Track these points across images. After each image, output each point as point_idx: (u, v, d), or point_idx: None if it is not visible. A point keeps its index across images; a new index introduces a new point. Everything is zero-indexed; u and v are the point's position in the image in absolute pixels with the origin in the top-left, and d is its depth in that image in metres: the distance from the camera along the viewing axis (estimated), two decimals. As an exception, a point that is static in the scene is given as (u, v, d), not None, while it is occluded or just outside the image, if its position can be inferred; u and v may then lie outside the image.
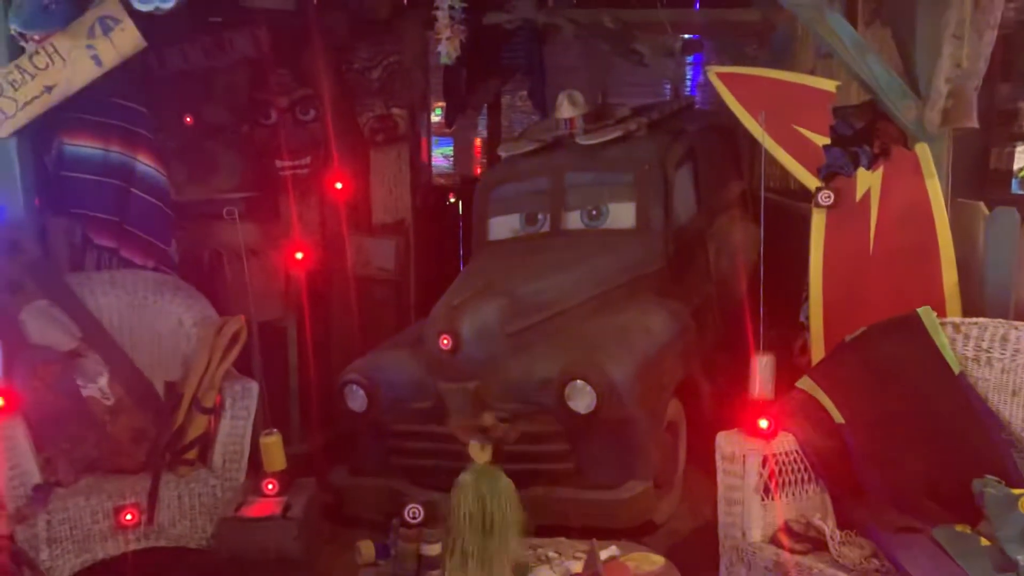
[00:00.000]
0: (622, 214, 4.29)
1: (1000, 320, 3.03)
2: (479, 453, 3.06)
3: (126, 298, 3.81)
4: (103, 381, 3.59)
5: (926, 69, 3.53)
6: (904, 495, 2.83)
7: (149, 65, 4.50)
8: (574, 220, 4.37)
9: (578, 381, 3.41)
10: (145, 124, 4.06)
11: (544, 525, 3.24)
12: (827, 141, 3.43)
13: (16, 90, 3.70)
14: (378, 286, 5.29)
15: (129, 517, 3.29)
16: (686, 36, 6.32)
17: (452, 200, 6.28)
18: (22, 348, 3.44)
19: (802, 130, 3.45)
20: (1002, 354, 2.92)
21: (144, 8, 3.53)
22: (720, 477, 2.89)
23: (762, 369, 2.93)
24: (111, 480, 3.40)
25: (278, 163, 4.90)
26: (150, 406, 3.59)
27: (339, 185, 4.50)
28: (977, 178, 4.85)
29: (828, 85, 3.45)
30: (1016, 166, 5.07)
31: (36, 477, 3.27)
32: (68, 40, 3.68)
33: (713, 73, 3.54)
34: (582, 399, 3.42)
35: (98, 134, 3.97)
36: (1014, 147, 5.08)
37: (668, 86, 6.50)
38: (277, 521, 3.28)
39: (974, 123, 3.46)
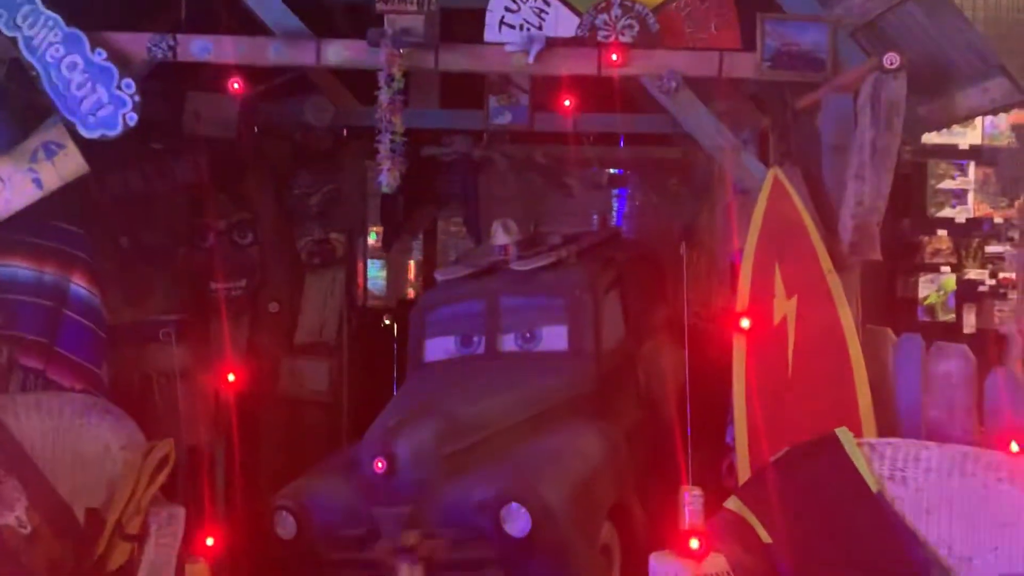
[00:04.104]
0: (555, 337, 4.41)
1: (912, 440, 3.20)
2: (410, 574, 3.04)
3: (51, 422, 3.70)
4: (21, 509, 3.45)
5: (834, 205, 3.84)
6: (831, 614, 2.89)
7: (88, 188, 4.54)
8: (508, 342, 4.46)
9: (513, 504, 3.41)
10: (82, 246, 4.07)
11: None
12: (783, 295, 3.64)
13: (-47, 211, 3.70)
14: (311, 408, 5.25)
15: (42, 655, 3.12)
16: (612, 171, 6.69)
17: (387, 322, 6.35)
18: (-64, 475, 3.31)
19: (777, 273, 3.65)
20: (915, 472, 3.06)
21: (90, 135, 3.62)
22: (654, 599, 2.91)
23: (691, 502, 3.00)
24: (24, 615, 3.23)
25: (212, 285, 4.93)
26: (69, 535, 3.46)
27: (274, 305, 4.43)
28: (885, 306, 5.15)
29: (826, 264, 3.65)
30: (920, 294, 5.41)
31: (-57, 614, 3.09)
32: (10, 163, 3.73)
33: (775, 172, 3.76)
34: (517, 522, 3.41)
35: (33, 255, 3.95)
36: (918, 277, 5.44)
37: (596, 216, 6.79)
38: (202, 656, 3.15)
39: (878, 255, 3.74)
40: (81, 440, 3.68)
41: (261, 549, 3.87)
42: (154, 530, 3.41)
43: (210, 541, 3.46)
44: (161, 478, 3.55)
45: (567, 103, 4.30)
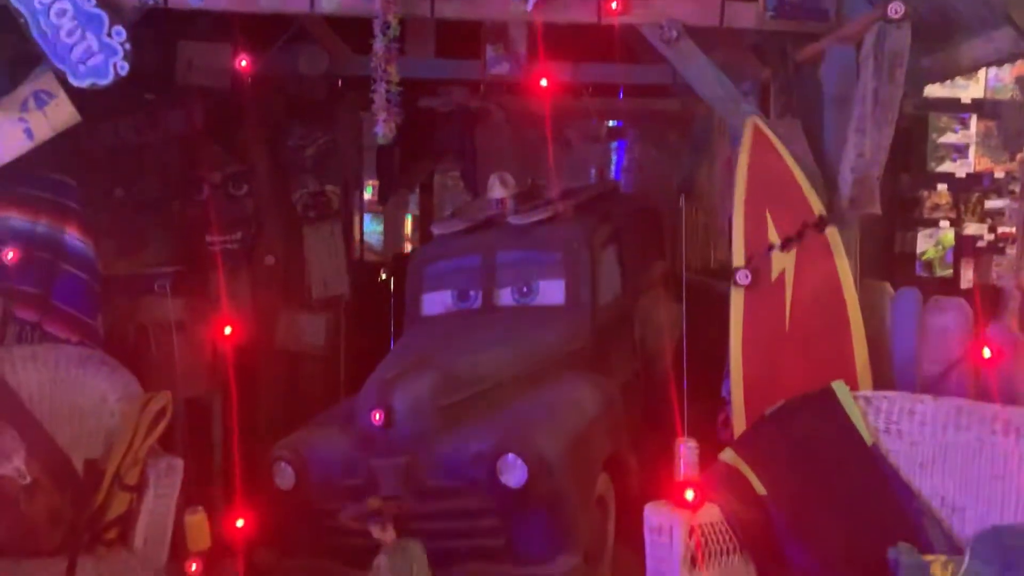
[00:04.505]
0: (551, 291, 4.41)
1: (907, 393, 3.21)
2: (383, 534, 3.10)
3: (48, 373, 3.72)
4: (19, 459, 3.47)
5: (834, 159, 3.80)
6: (825, 564, 2.92)
7: (80, 138, 4.48)
8: (505, 297, 4.46)
9: (510, 455, 3.43)
10: (75, 197, 4.03)
11: (476, 602, 3.24)
12: (777, 241, 3.64)
13: (-57, 162, 3.66)
14: (308, 362, 5.27)
15: (43, 603, 3.15)
16: (611, 123, 6.62)
17: (383, 276, 6.33)
18: (-66, 426, 3.32)
19: (769, 219, 3.65)
20: (910, 426, 3.08)
21: (80, 84, 3.56)
22: (648, 549, 2.94)
23: (687, 454, 3.03)
24: (25, 564, 3.24)
25: (208, 238, 4.91)
26: (69, 485, 3.48)
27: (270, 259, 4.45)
28: (883, 261, 5.14)
29: (817, 207, 3.65)
30: (919, 249, 5.40)
31: (-57, 562, 3.12)
32: (0, 113, 3.67)
33: (754, 121, 3.74)
34: (513, 474, 3.44)
35: (26, 207, 3.92)
36: (916, 232, 5.42)
37: (594, 170, 6.75)
38: (200, 604, 3.19)
39: (877, 209, 3.71)
40: (78, 391, 3.70)
41: (259, 500, 3.91)
42: (153, 481, 3.44)
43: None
44: (159, 430, 3.56)
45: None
